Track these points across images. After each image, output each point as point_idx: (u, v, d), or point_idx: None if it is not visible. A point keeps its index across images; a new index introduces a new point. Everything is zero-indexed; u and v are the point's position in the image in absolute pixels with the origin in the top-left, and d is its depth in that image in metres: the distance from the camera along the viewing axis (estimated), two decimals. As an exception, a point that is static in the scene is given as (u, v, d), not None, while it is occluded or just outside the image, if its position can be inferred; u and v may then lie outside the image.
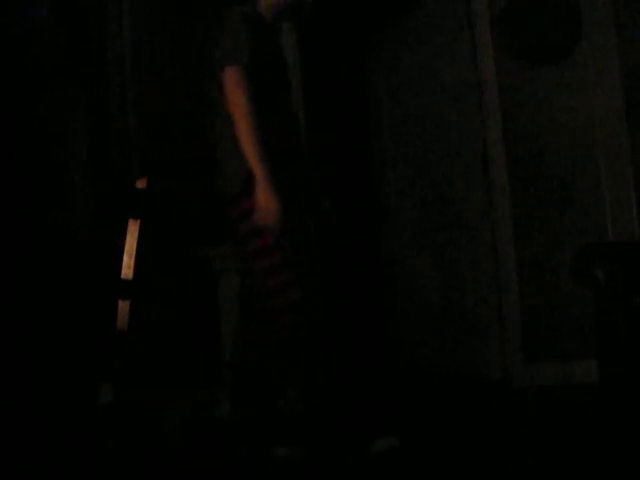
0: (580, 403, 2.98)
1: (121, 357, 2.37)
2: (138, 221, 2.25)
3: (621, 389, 2.55)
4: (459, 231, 3.77)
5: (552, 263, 3.41)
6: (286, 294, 2.25)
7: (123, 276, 2.23)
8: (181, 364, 3.28)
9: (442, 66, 3.82)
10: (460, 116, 3.73)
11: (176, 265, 3.34)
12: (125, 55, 3.04)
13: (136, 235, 2.22)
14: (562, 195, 3.42)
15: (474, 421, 2.91)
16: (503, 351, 3.49)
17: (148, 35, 3.28)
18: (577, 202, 3.40)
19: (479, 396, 3.35)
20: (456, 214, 3.79)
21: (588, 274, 2.78)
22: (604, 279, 2.62)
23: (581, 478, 2.11)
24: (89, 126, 2.74)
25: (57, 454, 2.26)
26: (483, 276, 3.64)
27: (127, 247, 2.22)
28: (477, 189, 3.64)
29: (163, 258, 3.18)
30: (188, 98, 3.73)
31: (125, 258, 2.23)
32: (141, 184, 2.30)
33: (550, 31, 3.45)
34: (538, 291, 3.43)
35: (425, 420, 2.94)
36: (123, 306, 2.21)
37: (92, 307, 2.52)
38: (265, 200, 2.16)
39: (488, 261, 3.59)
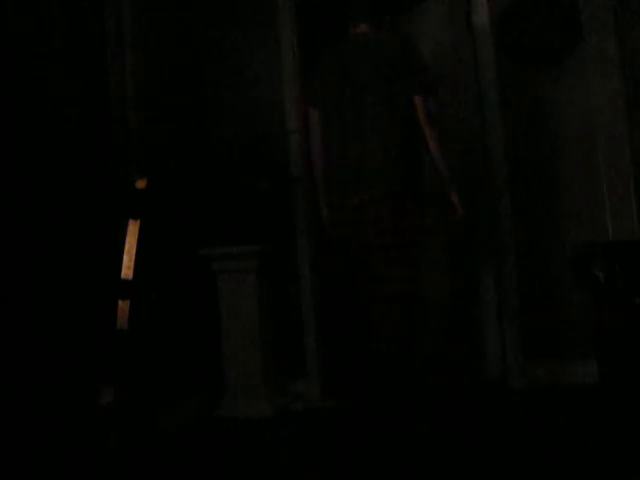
0: (580, 403, 2.98)
1: (121, 357, 2.37)
2: (138, 221, 2.25)
3: (621, 389, 2.56)
4: (459, 231, 3.76)
5: (552, 263, 3.41)
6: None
7: (123, 276, 2.23)
8: (181, 364, 3.29)
9: (442, 66, 3.82)
10: (460, 116, 3.73)
11: (176, 265, 3.34)
12: (125, 55, 3.04)
13: (136, 235, 2.22)
14: (562, 195, 3.42)
15: (474, 421, 2.91)
16: (503, 351, 3.49)
17: (148, 34, 3.28)
18: (577, 202, 3.40)
19: (479, 396, 3.35)
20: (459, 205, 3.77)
21: (588, 274, 2.78)
22: (604, 279, 2.63)
23: (581, 477, 2.11)
24: (89, 126, 2.75)
25: (57, 454, 2.26)
26: (483, 276, 3.65)
27: (127, 247, 2.22)
28: (477, 189, 3.64)
29: (163, 258, 3.18)
30: (188, 97, 3.73)
31: (125, 258, 2.23)
32: (141, 184, 2.30)
33: (550, 31, 3.45)
34: (538, 291, 3.43)
35: (425, 419, 2.94)
36: (123, 306, 2.21)
37: (92, 307, 2.52)
38: (461, 204, 2.95)
39: (488, 261, 3.60)
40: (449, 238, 3.29)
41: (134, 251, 2.22)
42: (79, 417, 2.40)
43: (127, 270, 2.22)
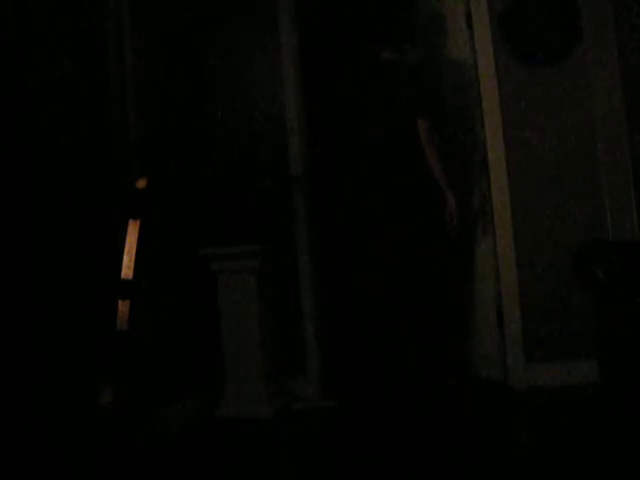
0: (580, 403, 2.98)
1: (121, 357, 2.37)
2: (138, 221, 2.25)
3: (621, 389, 2.56)
4: (459, 231, 3.76)
5: (552, 263, 3.41)
6: None
7: (123, 276, 2.23)
8: (182, 364, 3.28)
9: (442, 66, 3.82)
10: (460, 116, 3.73)
11: (176, 265, 3.34)
12: (125, 55, 3.04)
13: (136, 235, 2.22)
14: (562, 195, 3.42)
15: (474, 421, 2.91)
16: (503, 351, 3.49)
17: (148, 34, 3.28)
18: (577, 202, 3.40)
19: (479, 397, 3.35)
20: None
21: (588, 274, 2.78)
22: (604, 279, 2.63)
23: (581, 477, 2.11)
24: (89, 126, 2.75)
25: (57, 454, 2.26)
26: (483, 276, 3.64)
27: (127, 247, 2.22)
28: (477, 189, 3.64)
29: (163, 258, 3.18)
30: (189, 97, 3.73)
31: (125, 258, 2.23)
32: (141, 184, 2.30)
33: (550, 31, 3.45)
34: (538, 291, 3.43)
35: (425, 420, 2.94)
36: (123, 306, 2.21)
37: (92, 307, 2.52)
38: (456, 205, 3.21)
39: (488, 261, 3.60)
40: (450, 239, 3.35)
41: (134, 251, 2.22)
42: (79, 417, 2.40)
43: (127, 270, 2.22)
